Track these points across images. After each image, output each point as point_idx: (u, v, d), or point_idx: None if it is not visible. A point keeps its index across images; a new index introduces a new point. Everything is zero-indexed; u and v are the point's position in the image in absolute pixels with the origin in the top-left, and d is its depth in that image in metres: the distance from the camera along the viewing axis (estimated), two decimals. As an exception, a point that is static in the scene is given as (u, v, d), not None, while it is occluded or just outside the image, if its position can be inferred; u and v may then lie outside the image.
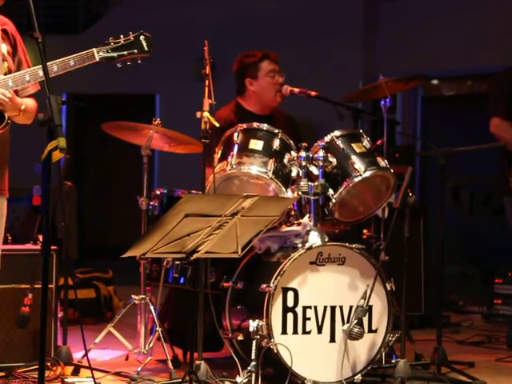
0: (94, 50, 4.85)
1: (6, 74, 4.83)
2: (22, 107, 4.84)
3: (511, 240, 7.46)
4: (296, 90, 7.13)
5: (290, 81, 7.33)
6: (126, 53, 4.90)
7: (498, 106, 7.39)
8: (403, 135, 9.94)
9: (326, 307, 6.09)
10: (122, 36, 4.87)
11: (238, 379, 5.89)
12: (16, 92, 4.86)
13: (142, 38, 4.97)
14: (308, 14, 11.73)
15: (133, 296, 6.89)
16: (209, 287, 6.26)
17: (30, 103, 4.95)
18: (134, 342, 7.02)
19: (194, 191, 6.51)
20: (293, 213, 6.49)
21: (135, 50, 4.93)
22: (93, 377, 5.73)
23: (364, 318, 6.02)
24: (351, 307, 6.09)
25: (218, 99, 6.69)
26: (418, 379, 6.27)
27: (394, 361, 6.29)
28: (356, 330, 5.95)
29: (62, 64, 4.79)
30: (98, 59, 4.84)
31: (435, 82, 10.11)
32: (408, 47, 11.69)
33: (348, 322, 6.06)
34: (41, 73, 4.65)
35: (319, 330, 6.09)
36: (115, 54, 4.89)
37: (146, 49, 4.96)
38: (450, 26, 11.07)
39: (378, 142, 6.85)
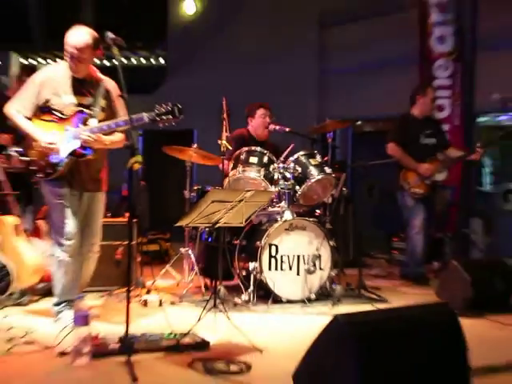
0: (144, 114, 4.83)
1: (99, 122, 4.96)
2: (107, 143, 5.00)
3: (402, 216, 7.69)
4: (277, 127, 7.07)
5: (276, 120, 7.19)
6: (164, 117, 4.82)
7: (393, 137, 7.50)
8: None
9: (294, 255, 6.30)
10: (163, 105, 4.82)
11: (243, 297, 6.22)
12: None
13: (176, 108, 4.82)
14: (280, 84, 11.74)
15: (181, 249, 7.09)
16: (225, 243, 6.46)
17: (118, 137, 5.06)
18: (181, 276, 7.12)
19: (216, 187, 6.47)
20: (275, 200, 6.62)
21: (170, 116, 4.82)
22: (158, 296, 6.16)
23: (316, 262, 6.31)
24: (309, 255, 6.31)
25: (233, 129, 7.09)
26: (348, 297, 6.42)
27: (334, 286, 6.43)
28: (312, 268, 6.28)
29: (136, 118, 4.75)
30: (146, 120, 4.82)
31: (359, 122, 9.82)
32: (346, 100, 11.45)
33: (307, 263, 6.29)
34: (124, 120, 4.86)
35: (290, 268, 6.29)
36: (157, 118, 4.82)
37: (177, 115, 4.83)
38: (372, 85, 11.12)
39: (325, 158, 6.84)
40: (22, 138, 5.47)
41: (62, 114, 4.97)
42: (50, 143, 4.88)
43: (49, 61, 19.54)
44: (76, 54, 4.89)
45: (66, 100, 4.98)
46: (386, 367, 3.20)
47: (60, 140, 4.92)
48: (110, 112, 5.07)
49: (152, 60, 20.91)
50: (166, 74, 16.40)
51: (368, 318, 3.81)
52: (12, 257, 6.04)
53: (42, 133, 4.92)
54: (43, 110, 5.00)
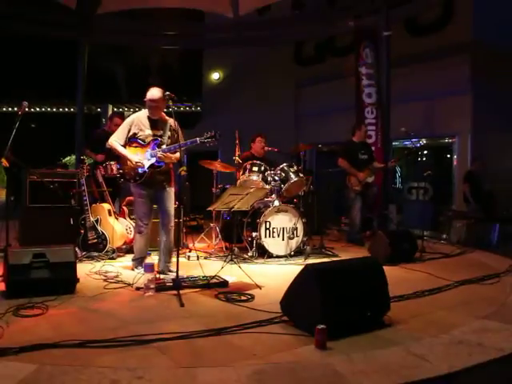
0: (198, 138, 4.88)
1: (167, 146, 4.97)
2: (173, 158, 5.03)
3: (347, 203, 7.62)
4: (269, 148, 7.01)
5: (269, 144, 7.09)
6: (210, 140, 4.82)
7: (342, 154, 7.51)
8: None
9: (280, 228, 6.21)
10: (209, 132, 4.83)
11: (249, 254, 6.14)
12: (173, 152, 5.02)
13: (217, 134, 4.83)
14: (271, 122, 11.51)
15: (210, 224, 7.02)
16: (238, 221, 6.39)
17: (178, 155, 4.98)
18: (210, 240, 7.00)
19: (232, 185, 6.39)
20: (268, 193, 6.42)
21: (213, 139, 4.81)
22: (196, 253, 6.15)
23: (294, 232, 6.24)
24: (290, 227, 6.22)
25: (243, 150, 7.05)
26: (314, 253, 6.31)
27: (305, 247, 6.32)
28: (291, 235, 6.23)
29: (190, 142, 4.89)
30: (199, 142, 4.85)
31: (320, 145, 9.67)
32: (311, 131, 11.51)
33: (289, 233, 6.21)
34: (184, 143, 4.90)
35: (278, 236, 6.19)
36: (205, 140, 4.82)
37: (218, 138, 4.81)
38: (328, 122, 11.13)
39: (299, 167, 6.65)
40: (115, 158, 5.52)
41: (144, 142, 5.05)
42: (138, 162, 4.98)
43: (130, 108, 19.75)
44: (153, 104, 5.00)
45: (146, 133, 5.07)
46: (337, 294, 3.24)
47: (143, 158, 5.00)
48: (173, 139, 5.07)
49: (193, 108, 21.13)
50: (201, 116, 16.68)
51: (326, 266, 3.91)
52: (107, 228, 6.11)
53: (132, 155, 5.03)
54: (131, 140, 5.09)
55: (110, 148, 5.21)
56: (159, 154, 4.94)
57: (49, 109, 24.71)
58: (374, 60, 9.27)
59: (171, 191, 5.18)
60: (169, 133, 5.08)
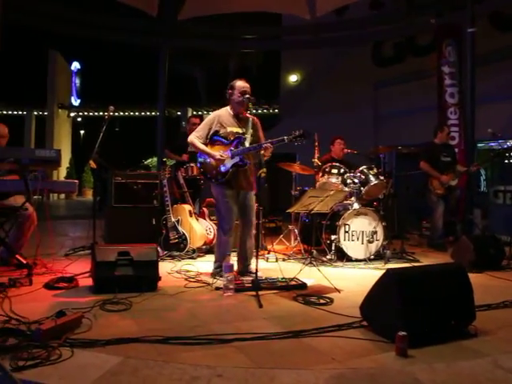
0: (285, 137, 4.62)
1: (250, 144, 4.80)
2: (268, 154, 4.72)
3: (428, 207, 7.46)
4: (348, 150, 7.03)
5: (349, 147, 7.20)
6: (298, 139, 4.59)
7: (424, 157, 7.32)
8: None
9: (360, 231, 6.12)
10: (296, 131, 4.59)
11: (327, 257, 6.11)
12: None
13: (305, 132, 4.60)
14: (352, 124, 11.49)
15: (289, 226, 7.09)
16: (316, 223, 6.26)
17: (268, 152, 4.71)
18: (289, 243, 7.05)
19: (312, 188, 6.38)
20: (347, 196, 6.35)
21: (302, 138, 4.57)
22: (274, 255, 6.13)
23: (374, 235, 6.14)
24: (369, 231, 6.13)
25: (322, 152, 7.02)
26: (394, 258, 6.23)
27: (385, 251, 6.15)
28: (371, 239, 6.13)
29: (277, 140, 4.64)
30: (286, 141, 4.61)
31: (400, 147, 9.39)
32: (391, 133, 11.26)
33: (368, 236, 6.12)
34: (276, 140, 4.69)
35: (357, 239, 6.11)
36: (293, 139, 4.59)
37: (306, 137, 4.60)
38: (408, 124, 10.95)
39: (379, 170, 6.58)
40: (196, 159, 5.50)
41: (226, 140, 4.91)
42: (221, 157, 4.85)
43: (209, 111, 20.35)
44: (248, 90, 4.90)
45: (229, 130, 4.94)
46: (419, 300, 3.14)
47: (225, 156, 4.88)
48: (255, 138, 4.94)
49: (270, 110, 21.32)
50: (279, 118, 16.78)
51: (408, 271, 3.80)
52: (187, 229, 6.24)
53: (214, 152, 4.89)
54: (214, 139, 4.97)
55: (191, 146, 5.10)
56: (266, 144, 4.72)
57: (131, 113, 25.75)
58: (457, 58, 9.04)
59: (253, 193, 5.08)
60: (251, 130, 4.96)
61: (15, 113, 25.91)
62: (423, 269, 4.00)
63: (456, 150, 8.24)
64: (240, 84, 4.95)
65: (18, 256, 4.74)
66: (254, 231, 5.08)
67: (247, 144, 4.86)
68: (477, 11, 8.24)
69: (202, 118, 6.88)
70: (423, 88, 10.32)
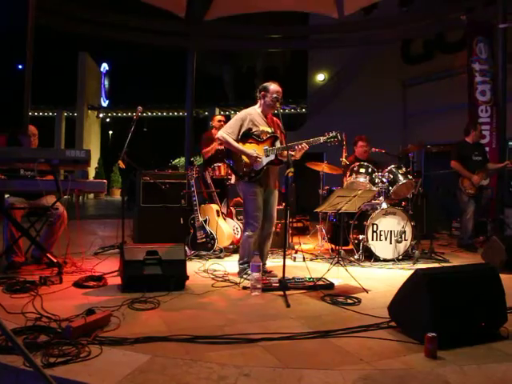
0: (321, 137, 4.70)
1: (281, 144, 4.84)
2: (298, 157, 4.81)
3: (459, 206, 7.40)
4: (376, 149, 6.87)
5: (377, 146, 7.15)
6: (332, 139, 4.66)
7: (455, 156, 7.19)
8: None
9: (388, 230, 6.07)
10: (331, 132, 4.68)
11: (355, 256, 6.08)
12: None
13: (338, 133, 4.66)
14: (381, 123, 11.46)
15: (317, 225, 7.07)
16: (344, 223, 6.16)
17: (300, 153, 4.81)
18: (317, 242, 7.06)
19: (339, 187, 6.39)
20: (376, 196, 6.31)
21: (336, 139, 4.66)
22: (302, 254, 6.13)
23: (402, 235, 6.07)
24: (398, 231, 6.07)
25: (348, 152, 6.97)
26: (423, 258, 6.17)
27: (414, 251, 6.16)
28: (399, 239, 6.07)
29: (313, 140, 4.71)
30: (322, 141, 4.69)
31: (429, 146, 8.95)
32: (420, 132, 11.04)
33: (396, 236, 6.07)
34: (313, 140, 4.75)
35: (386, 239, 6.06)
36: (328, 140, 4.67)
37: (339, 138, 4.66)
38: (437, 122, 10.84)
39: (408, 169, 6.56)
40: (223, 158, 5.45)
41: (259, 138, 4.89)
42: (258, 155, 4.83)
43: (237, 111, 20.47)
44: (281, 95, 4.90)
45: (261, 129, 4.92)
46: (449, 301, 3.09)
47: (261, 155, 4.87)
48: (280, 138, 4.96)
49: (298, 110, 21.27)
50: (306, 118, 16.73)
51: (438, 271, 3.73)
52: (215, 228, 6.27)
53: (249, 150, 4.86)
54: (246, 136, 4.92)
55: (223, 142, 5.02)
56: (296, 145, 4.74)
57: (159, 113, 26.00)
58: (489, 55, 8.88)
59: (277, 193, 5.10)
60: (278, 131, 5.00)
61: (46, 114, 26.39)
62: (453, 269, 3.93)
63: (487, 148, 8.11)
64: (274, 88, 4.93)
65: (48, 255, 4.81)
66: (272, 232, 5.13)
67: (278, 143, 4.88)
68: (508, 7, 8.10)
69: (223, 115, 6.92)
70: (453, 86, 10.18)
